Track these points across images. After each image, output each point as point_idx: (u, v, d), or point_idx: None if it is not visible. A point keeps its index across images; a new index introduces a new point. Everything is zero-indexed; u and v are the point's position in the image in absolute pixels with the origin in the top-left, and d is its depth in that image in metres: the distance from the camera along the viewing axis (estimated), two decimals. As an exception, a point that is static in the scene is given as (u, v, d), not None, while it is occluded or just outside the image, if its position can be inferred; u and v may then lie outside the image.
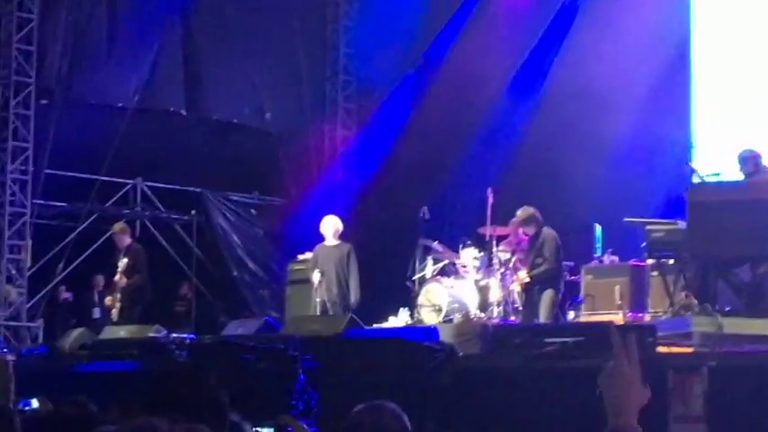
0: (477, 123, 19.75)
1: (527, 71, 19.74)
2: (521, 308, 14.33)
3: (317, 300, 14.88)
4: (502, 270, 14.63)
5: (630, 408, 3.40)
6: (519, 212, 14.24)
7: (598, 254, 15.76)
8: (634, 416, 3.38)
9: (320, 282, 14.88)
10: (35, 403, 7.30)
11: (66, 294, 19.75)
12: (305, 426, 3.74)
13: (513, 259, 14.56)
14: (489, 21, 19.60)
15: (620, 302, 14.03)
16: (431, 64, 20.80)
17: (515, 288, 14.38)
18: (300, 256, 16.47)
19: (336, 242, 15.27)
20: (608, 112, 17.97)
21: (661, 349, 10.00)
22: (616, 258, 15.29)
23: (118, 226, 16.34)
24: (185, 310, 19.63)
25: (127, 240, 15.97)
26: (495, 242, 15.14)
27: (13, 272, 18.65)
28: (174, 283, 19.83)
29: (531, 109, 19.37)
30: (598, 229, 16.06)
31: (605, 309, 14.12)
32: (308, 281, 15.42)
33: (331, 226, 15.29)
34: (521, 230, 14.44)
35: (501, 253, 14.88)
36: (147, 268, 15.91)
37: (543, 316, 13.81)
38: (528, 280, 14.07)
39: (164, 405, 3.59)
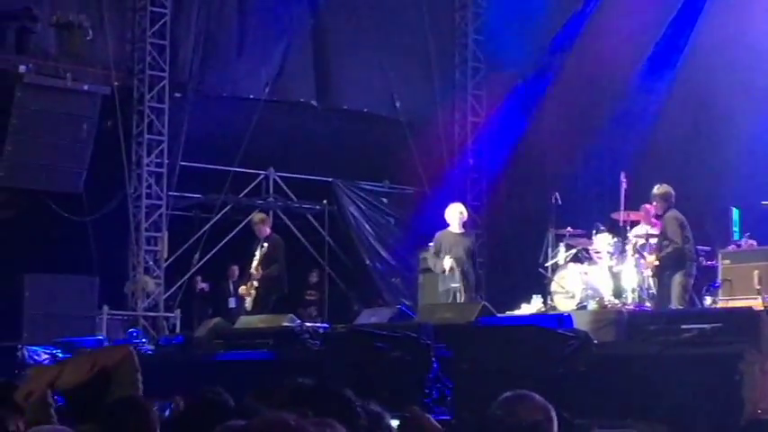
0: (609, 106, 19.48)
1: (661, 52, 19.39)
2: (655, 293, 14.13)
3: (451, 285, 14.74)
4: (636, 255, 14.44)
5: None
6: (656, 188, 14.07)
7: (735, 238, 15.43)
8: None
9: (451, 268, 14.75)
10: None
11: (202, 284, 20.03)
12: (431, 418, 3.69)
13: (638, 243, 14.43)
14: (622, 3, 19.30)
15: (758, 287, 13.70)
16: (561, 47, 20.60)
17: (647, 273, 14.20)
18: (431, 244, 16.46)
19: (462, 230, 15.14)
20: (746, 92, 17.57)
21: (803, 335, 9.75)
22: (754, 242, 14.94)
23: (257, 216, 16.38)
24: (317, 298, 19.78)
25: (266, 230, 15.98)
26: (628, 227, 14.95)
27: (151, 263, 19.00)
28: (305, 272, 19.99)
29: (665, 91, 19.03)
30: (735, 212, 15.71)
31: (743, 294, 13.80)
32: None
33: (457, 213, 15.13)
34: (652, 211, 14.28)
35: (635, 237, 14.70)
36: (284, 259, 15.97)
37: (674, 301, 13.57)
38: (657, 263, 13.85)
39: (295, 398, 3.60)
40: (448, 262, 14.71)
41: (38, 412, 5.01)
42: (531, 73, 21.00)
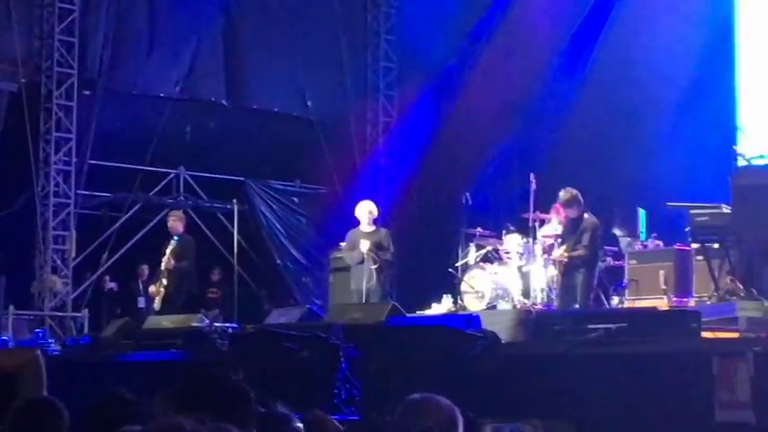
0: (519, 109, 19.65)
1: (570, 56, 19.61)
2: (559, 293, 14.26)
3: (364, 285, 14.79)
4: (545, 256, 14.56)
5: None
6: (561, 194, 14.10)
7: (642, 238, 15.63)
8: None
9: (369, 250, 14.82)
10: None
11: (110, 284, 19.83)
12: (334, 420, 3.69)
13: (546, 243, 14.54)
14: (532, 5, 19.47)
15: (664, 287, 13.92)
16: (473, 49, 20.71)
17: (550, 272, 14.30)
18: (343, 244, 16.48)
19: (372, 228, 15.25)
20: (652, 95, 17.83)
21: (706, 335, 9.90)
22: (660, 243, 15.16)
23: (175, 213, 16.52)
24: (218, 296, 19.67)
25: (180, 228, 16.07)
26: (537, 228, 15.07)
27: (58, 262, 18.76)
28: (207, 270, 19.85)
29: (574, 94, 19.23)
30: (642, 213, 15.92)
31: (650, 294, 14.02)
32: (350, 268, 15.41)
33: (366, 211, 15.27)
34: (562, 212, 14.37)
35: (543, 237, 14.81)
36: (194, 258, 15.98)
37: (579, 301, 13.70)
38: (565, 259, 13.93)
39: (194, 401, 3.57)
40: (365, 245, 14.81)
41: None
42: (443, 73, 21.08)
